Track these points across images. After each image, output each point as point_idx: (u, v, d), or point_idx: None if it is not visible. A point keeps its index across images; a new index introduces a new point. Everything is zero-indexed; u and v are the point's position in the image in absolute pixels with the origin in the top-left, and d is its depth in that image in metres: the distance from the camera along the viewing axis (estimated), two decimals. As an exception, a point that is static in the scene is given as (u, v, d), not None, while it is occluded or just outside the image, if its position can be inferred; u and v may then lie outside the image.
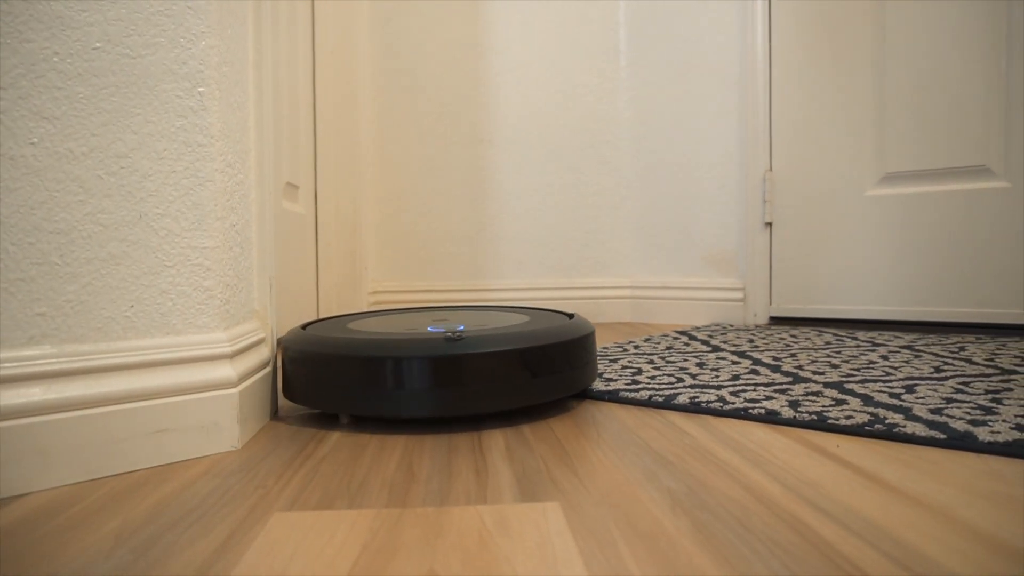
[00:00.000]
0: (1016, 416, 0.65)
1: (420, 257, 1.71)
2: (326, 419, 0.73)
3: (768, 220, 1.54)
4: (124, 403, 0.55)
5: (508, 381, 0.68)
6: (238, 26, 0.68)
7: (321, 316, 1.46)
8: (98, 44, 0.54)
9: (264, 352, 0.72)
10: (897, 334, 1.29)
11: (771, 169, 1.54)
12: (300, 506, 0.47)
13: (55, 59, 0.53)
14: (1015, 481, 0.50)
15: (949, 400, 0.72)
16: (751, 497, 0.48)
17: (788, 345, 1.17)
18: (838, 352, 1.07)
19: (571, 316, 0.86)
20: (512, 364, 0.68)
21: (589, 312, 1.74)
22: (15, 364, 0.51)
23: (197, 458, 0.59)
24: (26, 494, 0.51)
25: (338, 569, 0.37)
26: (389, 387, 0.67)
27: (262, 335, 0.73)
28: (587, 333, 0.78)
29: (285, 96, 1.22)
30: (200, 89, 0.60)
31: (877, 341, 1.19)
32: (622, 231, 1.77)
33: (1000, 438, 0.58)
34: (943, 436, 0.59)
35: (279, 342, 0.78)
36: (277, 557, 0.39)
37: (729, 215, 1.60)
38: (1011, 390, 0.77)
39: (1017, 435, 0.59)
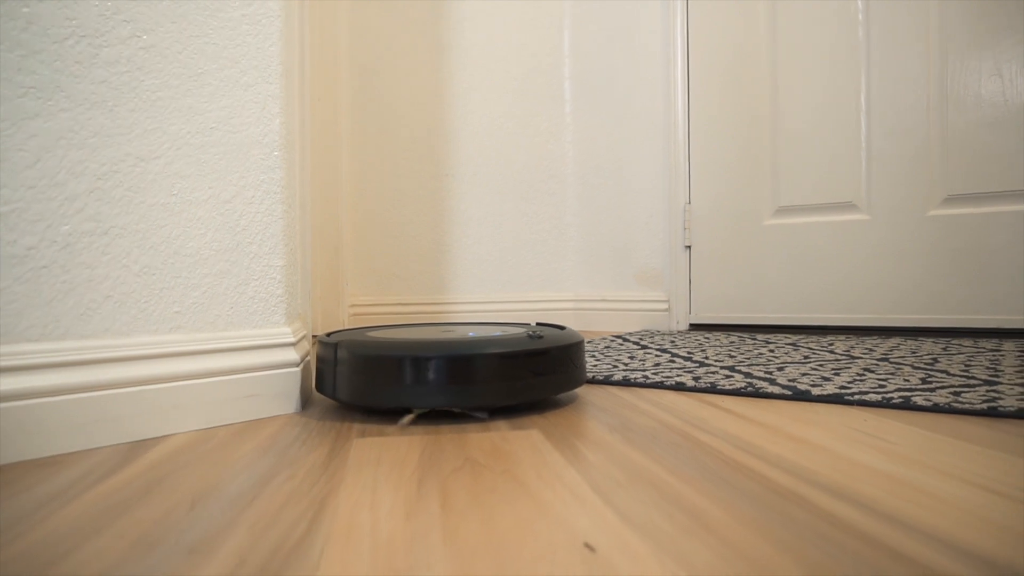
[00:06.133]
0: (843, 382, 0.95)
1: (392, 275, 1.95)
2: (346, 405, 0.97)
3: (688, 244, 1.85)
4: (228, 375, 0.78)
5: (516, 379, 0.79)
6: (294, 104, 0.92)
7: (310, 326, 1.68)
8: (214, 125, 0.78)
9: (306, 345, 0.95)
10: (788, 335, 1.60)
11: (690, 202, 1.85)
12: (369, 436, 0.72)
13: (188, 136, 0.76)
14: (825, 414, 0.79)
15: (804, 374, 1.02)
16: (660, 425, 0.75)
17: (701, 344, 1.46)
18: (738, 348, 1.37)
19: (562, 328, 0.96)
20: (533, 363, 0.80)
21: (538, 321, 2.01)
22: (163, 345, 0.73)
23: (274, 416, 0.82)
24: (169, 435, 0.73)
25: (412, 457, 0.62)
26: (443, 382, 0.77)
27: (305, 332, 0.96)
28: (581, 340, 0.90)
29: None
30: (275, 153, 0.84)
31: (770, 340, 1.50)
32: (567, 252, 2.06)
33: (825, 392, 0.87)
34: (790, 393, 0.88)
35: (315, 342, 0.97)
36: (371, 453, 0.63)
37: (656, 239, 1.90)
38: (849, 368, 1.07)
39: (836, 391, 0.88)
